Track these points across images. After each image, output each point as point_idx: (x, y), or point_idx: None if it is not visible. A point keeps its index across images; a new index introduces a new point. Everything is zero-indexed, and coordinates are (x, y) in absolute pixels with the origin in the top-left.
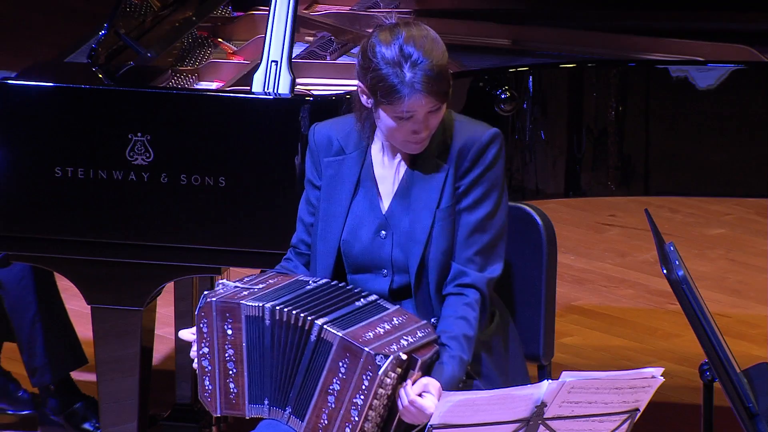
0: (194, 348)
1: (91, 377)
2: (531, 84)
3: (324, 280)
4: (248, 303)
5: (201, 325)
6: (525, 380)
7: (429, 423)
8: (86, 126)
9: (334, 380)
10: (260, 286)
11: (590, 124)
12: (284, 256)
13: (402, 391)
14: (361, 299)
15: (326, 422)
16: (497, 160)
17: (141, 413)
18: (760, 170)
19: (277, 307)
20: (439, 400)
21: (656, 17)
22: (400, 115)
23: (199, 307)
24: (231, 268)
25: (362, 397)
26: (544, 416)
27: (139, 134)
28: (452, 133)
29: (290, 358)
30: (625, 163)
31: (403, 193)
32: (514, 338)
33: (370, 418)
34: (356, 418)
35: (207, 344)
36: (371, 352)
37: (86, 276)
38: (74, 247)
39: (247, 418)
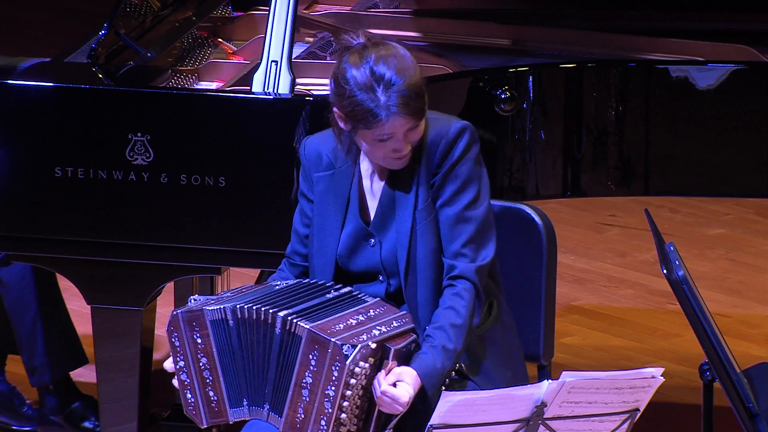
0: (170, 363)
1: (91, 377)
2: (531, 84)
3: (295, 281)
4: (210, 308)
5: (173, 340)
6: (525, 378)
7: (429, 423)
8: (86, 126)
9: (306, 373)
10: (229, 294)
11: (590, 124)
12: (278, 267)
13: (375, 381)
14: (332, 291)
15: (303, 416)
16: (467, 151)
17: (141, 413)
18: (760, 170)
19: (239, 305)
20: (414, 389)
21: (656, 17)
22: (380, 137)
23: (168, 323)
24: (231, 268)
25: (333, 388)
26: (544, 416)
27: (139, 134)
28: (425, 132)
29: (259, 354)
30: (625, 163)
31: (386, 199)
32: (510, 327)
33: (344, 408)
34: (330, 410)
35: (182, 357)
36: (338, 342)
37: (86, 276)
38: (74, 247)
39: (231, 423)
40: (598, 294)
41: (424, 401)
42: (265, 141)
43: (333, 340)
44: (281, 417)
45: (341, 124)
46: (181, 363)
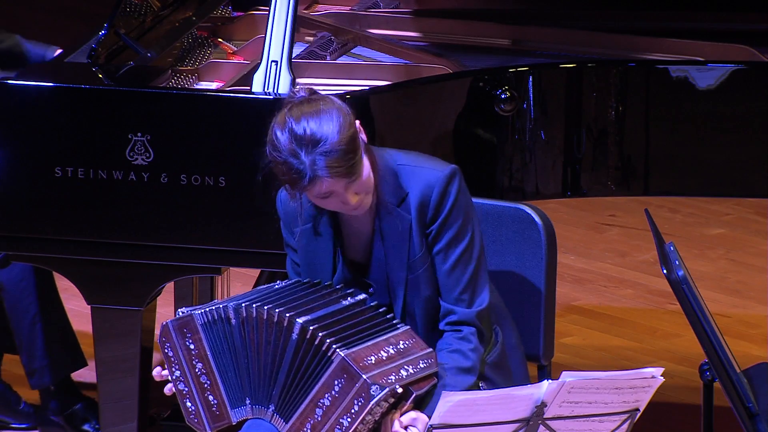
0: (157, 371)
1: (91, 378)
2: (531, 84)
3: (295, 279)
4: (199, 311)
5: (166, 351)
6: (525, 380)
7: (429, 423)
8: (86, 126)
9: (326, 395)
10: (217, 301)
11: (590, 124)
12: None
13: (388, 420)
14: (349, 298)
15: (309, 431)
16: (459, 195)
17: (141, 413)
18: (760, 170)
19: (243, 304)
20: None
21: (656, 17)
22: (320, 195)
23: (159, 335)
24: (231, 268)
25: (349, 419)
26: (544, 416)
27: (139, 134)
28: (406, 179)
29: (268, 355)
30: (625, 163)
31: (376, 251)
32: (518, 348)
33: None
34: None
35: (177, 367)
36: (368, 380)
37: (86, 276)
38: (74, 247)
39: (234, 423)
40: (598, 294)
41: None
42: (265, 141)
43: (364, 377)
44: (287, 423)
45: (289, 190)
46: (177, 373)
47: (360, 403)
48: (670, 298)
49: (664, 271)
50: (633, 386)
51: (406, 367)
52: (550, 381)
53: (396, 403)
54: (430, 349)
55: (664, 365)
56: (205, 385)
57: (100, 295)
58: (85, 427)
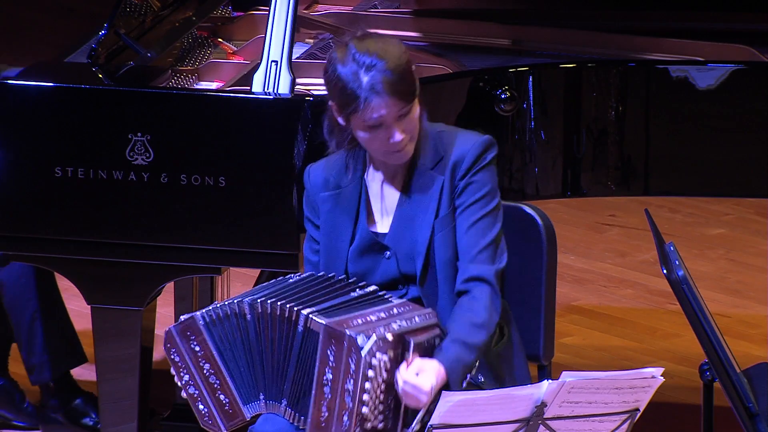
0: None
1: (91, 376)
2: (531, 84)
3: (308, 273)
4: (201, 312)
5: (173, 357)
6: (527, 379)
7: (429, 423)
8: (86, 126)
9: (326, 370)
10: (219, 303)
11: (590, 124)
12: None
13: (396, 374)
14: (357, 290)
15: (326, 414)
16: (492, 163)
17: (141, 413)
18: (760, 170)
19: (258, 300)
20: (437, 380)
21: (656, 17)
22: (370, 123)
23: (164, 341)
24: (231, 268)
25: (352, 381)
26: (544, 416)
27: (139, 134)
28: (444, 144)
29: (280, 350)
30: (625, 163)
31: (402, 210)
32: (520, 348)
33: (366, 402)
34: (350, 404)
35: (185, 372)
36: (352, 334)
37: (86, 276)
38: (74, 247)
39: (248, 419)
40: (598, 294)
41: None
42: (265, 141)
43: (348, 332)
44: (307, 418)
45: (340, 121)
46: (186, 377)
47: (354, 360)
48: (670, 298)
49: (664, 271)
50: (633, 386)
51: (398, 322)
52: (550, 381)
53: (399, 357)
54: (429, 309)
55: (664, 365)
56: (215, 385)
57: (100, 295)
58: (85, 420)
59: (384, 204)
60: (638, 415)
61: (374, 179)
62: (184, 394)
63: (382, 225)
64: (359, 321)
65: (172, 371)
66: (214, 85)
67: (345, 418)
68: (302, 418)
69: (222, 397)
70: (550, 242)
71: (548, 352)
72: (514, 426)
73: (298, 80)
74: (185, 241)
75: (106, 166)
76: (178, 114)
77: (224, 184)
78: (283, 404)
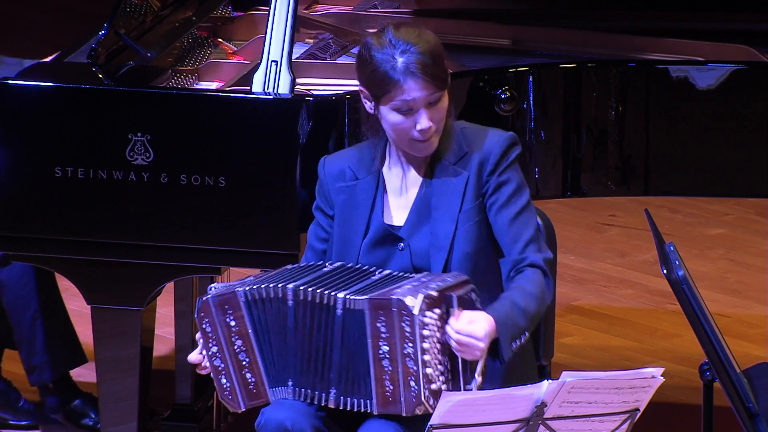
0: (200, 352)
1: (91, 377)
2: (531, 84)
3: (339, 263)
4: (242, 288)
5: (204, 326)
6: (533, 378)
7: (429, 423)
8: (86, 126)
9: (380, 343)
10: (251, 278)
11: (590, 124)
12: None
13: (448, 329)
14: (377, 273)
15: (391, 387)
16: (518, 159)
17: (141, 413)
18: (760, 170)
19: (301, 287)
20: (489, 327)
21: (656, 17)
22: (400, 105)
23: (198, 309)
24: (231, 268)
25: (410, 344)
26: (544, 416)
27: (139, 134)
28: (468, 140)
29: (319, 338)
30: (625, 163)
31: (421, 204)
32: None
33: (428, 362)
34: (414, 368)
35: (214, 343)
36: (400, 298)
37: (86, 276)
38: (74, 247)
39: (270, 402)
40: (598, 294)
41: (495, 352)
42: (265, 141)
43: (394, 297)
44: (372, 400)
45: (367, 106)
46: (214, 348)
47: (407, 322)
48: (670, 298)
49: (664, 271)
50: (633, 386)
51: (434, 283)
52: (550, 381)
53: (446, 314)
54: (455, 272)
55: (664, 365)
56: (244, 363)
57: (100, 295)
58: (85, 421)
59: (401, 197)
60: (638, 415)
61: (392, 173)
62: (207, 364)
63: (398, 217)
64: (398, 290)
65: (198, 339)
66: (214, 85)
67: (412, 383)
68: (363, 401)
69: (248, 375)
70: (550, 242)
71: (548, 352)
72: (514, 426)
73: (298, 80)
74: (185, 241)
75: (106, 166)
76: (178, 114)
77: (224, 184)
78: (332, 394)
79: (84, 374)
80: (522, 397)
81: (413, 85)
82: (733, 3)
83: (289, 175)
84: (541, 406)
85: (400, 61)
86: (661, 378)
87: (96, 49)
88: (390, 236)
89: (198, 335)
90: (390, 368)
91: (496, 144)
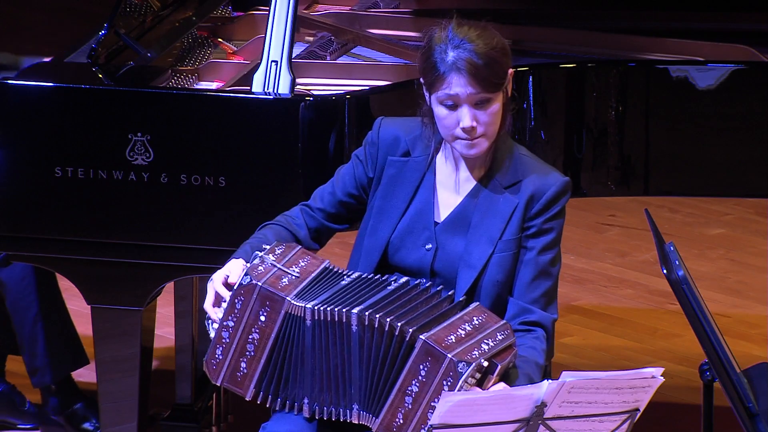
0: (216, 316)
1: (92, 377)
2: (531, 84)
3: (356, 274)
4: (294, 301)
5: (236, 301)
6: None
7: (429, 423)
8: (86, 126)
9: (413, 382)
10: (295, 270)
11: (590, 124)
12: (289, 211)
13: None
14: (392, 283)
15: (401, 422)
16: (565, 208)
17: (141, 413)
18: (760, 170)
19: (317, 307)
20: None
21: (656, 17)
22: (444, 98)
23: (241, 284)
24: None
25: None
26: (544, 416)
27: (139, 134)
28: (524, 169)
29: (335, 354)
30: (625, 163)
31: (462, 214)
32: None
33: None
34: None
35: (234, 319)
36: (454, 359)
37: (86, 276)
38: (74, 247)
39: (247, 399)
40: (598, 294)
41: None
42: (265, 141)
43: (449, 356)
44: (377, 418)
45: (425, 95)
46: (231, 323)
47: (449, 383)
48: (670, 298)
49: (664, 271)
50: (633, 386)
51: (485, 341)
52: (550, 381)
53: (482, 378)
54: (504, 321)
55: (664, 365)
56: (246, 353)
57: (100, 295)
58: (86, 425)
59: (446, 194)
60: (638, 415)
61: (446, 166)
62: (212, 329)
63: (437, 213)
64: (452, 338)
65: (221, 306)
66: (214, 85)
67: (423, 431)
68: (373, 418)
69: (243, 365)
70: None
71: (548, 352)
72: (514, 426)
73: (298, 80)
74: (185, 241)
75: (106, 166)
76: (178, 114)
77: (224, 184)
78: (355, 409)
79: (84, 374)
80: (522, 397)
81: (457, 81)
82: (733, 3)
83: (289, 175)
84: (541, 406)
85: (450, 55)
86: (661, 378)
87: (96, 49)
88: (425, 230)
89: (227, 300)
90: (409, 407)
91: (553, 185)
